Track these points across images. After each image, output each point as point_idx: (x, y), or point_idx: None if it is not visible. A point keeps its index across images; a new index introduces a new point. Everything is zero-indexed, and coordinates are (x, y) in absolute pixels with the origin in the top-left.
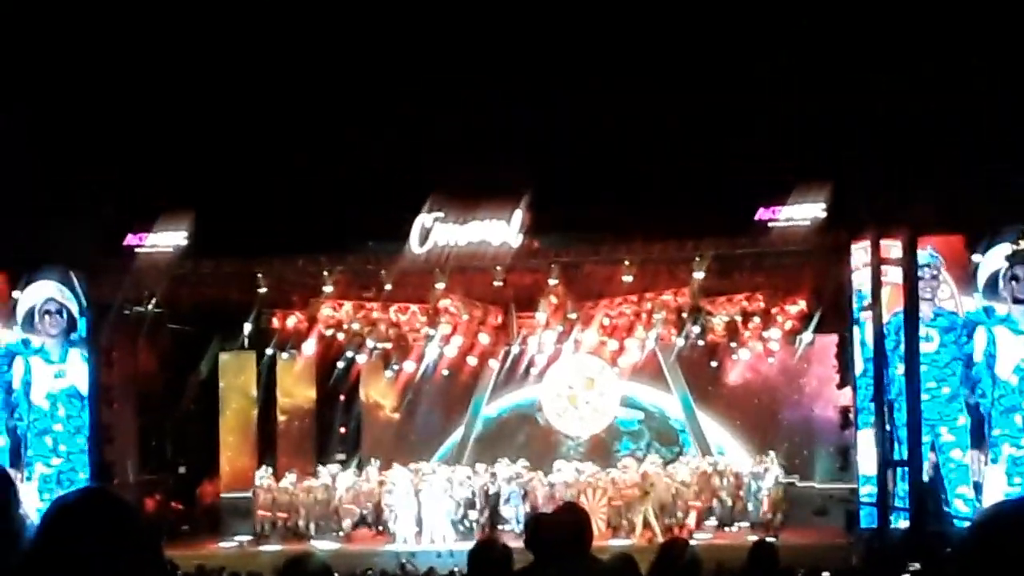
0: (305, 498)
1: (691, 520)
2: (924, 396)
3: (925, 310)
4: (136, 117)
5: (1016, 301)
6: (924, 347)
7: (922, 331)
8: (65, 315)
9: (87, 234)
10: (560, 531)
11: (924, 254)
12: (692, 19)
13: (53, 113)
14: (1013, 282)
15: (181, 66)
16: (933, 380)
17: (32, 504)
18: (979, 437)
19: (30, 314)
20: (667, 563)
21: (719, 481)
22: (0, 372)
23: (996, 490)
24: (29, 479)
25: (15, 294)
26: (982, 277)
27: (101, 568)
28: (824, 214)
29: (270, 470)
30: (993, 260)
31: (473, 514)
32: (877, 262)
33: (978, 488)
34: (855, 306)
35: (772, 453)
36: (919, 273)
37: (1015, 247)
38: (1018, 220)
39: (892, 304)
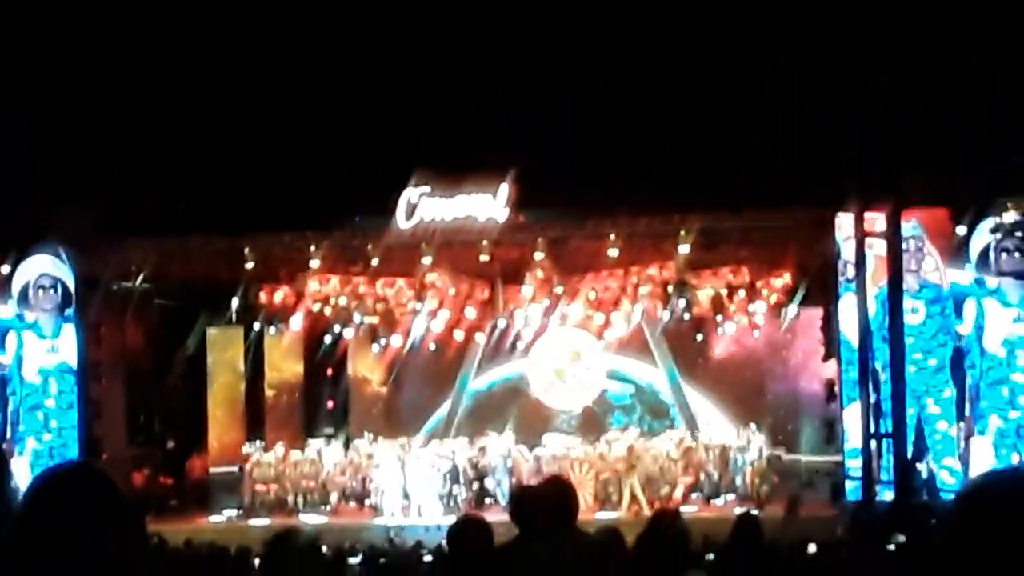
0: (292, 472)
1: (677, 493)
2: (910, 368)
3: (910, 282)
4: (124, 95)
5: (1002, 274)
6: (910, 319)
7: (908, 304)
8: (60, 290)
9: (79, 210)
10: (545, 504)
11: (908, 226)
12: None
13: (44, 92)
14: (1003, 254)
15: (164, 44)
16: (919, 352)
17: (24, 479)
18: (967, 409)
19: (24, 289)
20: (656, 534)
21: (705, 454)
22: None
23: (983, 462)
24: (21, 454)
25: (4, 268)
26: (974, 250)
27: (85, 541)
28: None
29: (260, 443)
30: (984, 233)
31: (459, 488)
32: (861, 235)
33: (964, 460)
34: (840, 279)
35: (757, 426)
36: (904, 245)
37: (998, 220)
38: (1004, 194)
39: (877, 277)
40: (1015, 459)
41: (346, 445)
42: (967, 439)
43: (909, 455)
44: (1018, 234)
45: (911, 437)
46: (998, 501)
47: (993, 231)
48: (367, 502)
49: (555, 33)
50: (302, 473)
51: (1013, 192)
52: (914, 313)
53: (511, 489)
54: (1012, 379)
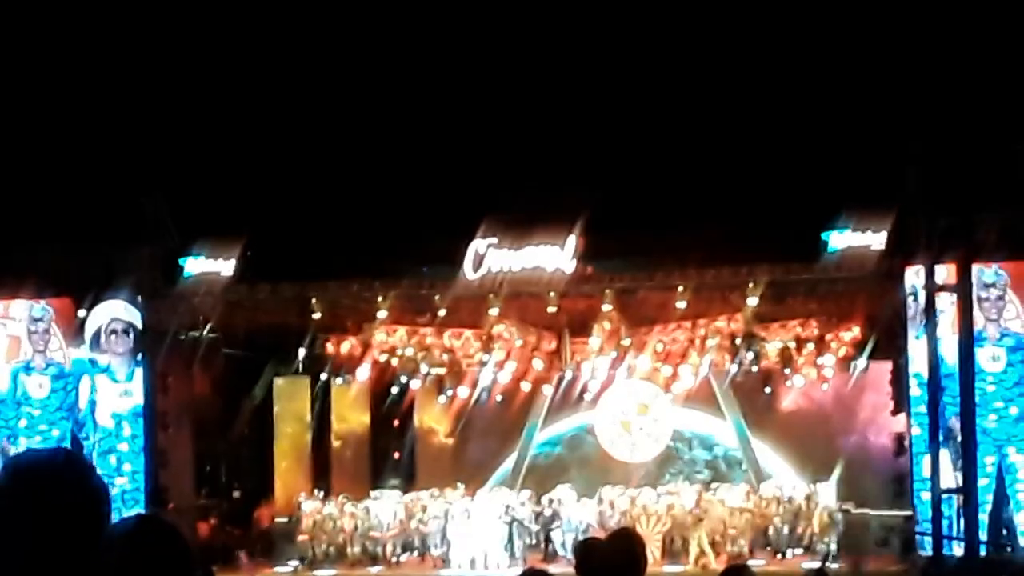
0: (357, 524)
1: (745, 547)
2: (991, 416)
3: (991, 330)
4: (192, 143)
5: None
6: (991, 367)
7: (989, 351)
8: (132, 334)
9: (147, 260)
10: (614, 558)
11: (990, 272)
12: (752, 40)
13: (113, 140)
14: None
15: (237, 93)
16: (1000, 400)
17: None
18: None
19: (97, 334)
20: None
21: (773, 508)
22: (67, 390)
23: None
24: None
25: (80, 313)
26: None
27: None
28: (886, 240)
29: (320, 494)
30: None
31: (524, 541)
32: (932, 287)
33: None
34: (911, 331)
35: (826, 480)
36: (984, 294)
37: None
38: None
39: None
40: None
41: (413, 496)
42: None
43: (990, 505)
44: None
45: (993, 486)
46: None
47: None
48: (431, 554)
49: (626, 85)
50: (368, 525)
51: None
52: (995, 361)
53: (575, 542)
54: None
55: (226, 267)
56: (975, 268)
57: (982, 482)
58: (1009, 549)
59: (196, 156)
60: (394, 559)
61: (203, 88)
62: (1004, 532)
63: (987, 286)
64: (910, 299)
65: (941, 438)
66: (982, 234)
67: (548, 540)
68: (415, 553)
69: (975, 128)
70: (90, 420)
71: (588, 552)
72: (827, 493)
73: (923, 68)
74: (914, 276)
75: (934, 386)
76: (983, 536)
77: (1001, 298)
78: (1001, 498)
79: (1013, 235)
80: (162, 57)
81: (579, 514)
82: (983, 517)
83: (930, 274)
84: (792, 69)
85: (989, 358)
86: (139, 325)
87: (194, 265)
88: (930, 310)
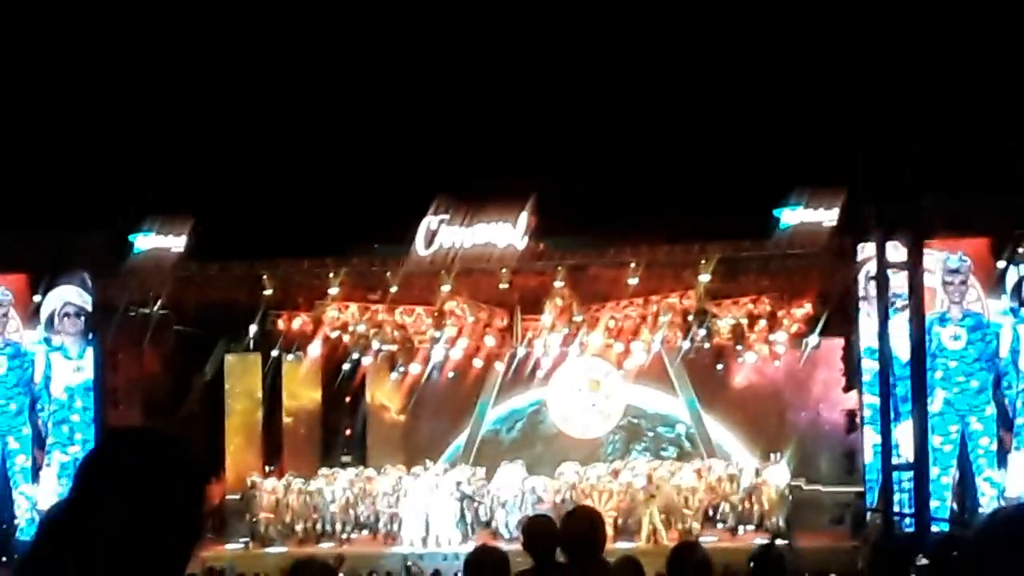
0: (309, 500)
1: (697, 523)
2: (955, 390)
3: (954, 312)
4: (144, 121)
5: None
6: (953, 345)
7: (952, 330)
8: (83, 317)
9: (98, 238)
10: (576, 534)
11: (955, 258)
12: (704, 20)
13: (63, 118)
14: None
15: (187, 70)
16: (962, 375)
17: (51, 490)
18: (1006, 425)
19: (51, 317)
20: (678, 565)
21: (725, 484)
22: (23, 368)
23: (1020, 472)
24: (49, 465)
25: (36, 298)
26: (1010, 282)
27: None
28: (838, 218)
29: (271, 471)
30: (1020, 267)
31: (477, 518)
32: (883, 264)
33: (1004, 473)
34: (863, 309)
35: (778, 456)
36: (949, 279)
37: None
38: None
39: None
40: None
41: (364, 472)
42: (1006, 453)
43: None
44: None
45: (957, 452)
46: (1008, 537)
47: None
48: (384, 530)
49: (579, 62)
50: (320, 501)
51: None
52: (956, 340)
53: (523, 518)
54: None
55: (177, 244)
56: (940, 255)
57: (946, 448)
58: (968, 518)
59: (148, 133)
60: (344, 536)
61: (152, 66)
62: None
63: (952, 271)
64: (862, 277)
65: (892, 415)
66: (931, 215)
67: (496, 517)
68: (366, 531)
69: (926, 112)
70: (45, 393)
71: (535, 529)
72: (778, 470)
73: (873, 50)
74: (867, 253)
75: (885, 363)
76: (948, 505)
77: (964, 283)
78: (965, 464)
79: (962, 217)
80: (109, 36)
81: (531, 491)
82: (947, 481)
83: (881, 252)
84: (747, 49)
85: (951, 337)
86: (90, 308)
87: (144, 242)
88: (881, 288)
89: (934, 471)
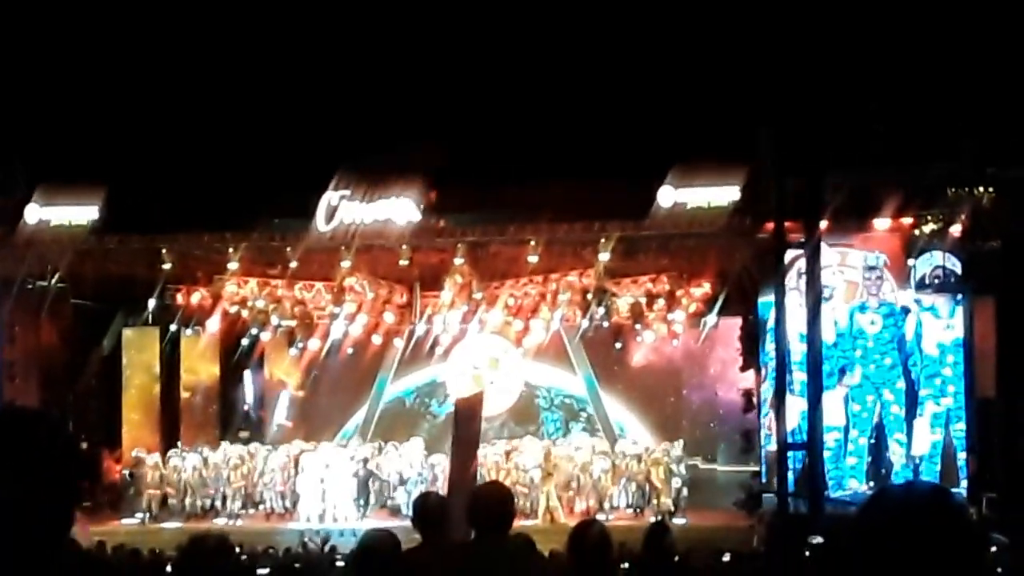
0: (204, 475)
1: (594, 501)
2: (871, 366)
3: (872, 302)
4: (44, 92)
5: (937, 292)
6: (871, 329)
7: (869, 316)
8: None
9: None
10: (486, 508)
11: (872, 257)
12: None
13: None
14: (934, 283)
15: (85, 39)
16: (878, 353)
17: None
18: (912, 396)
19: None
20: (579, 542)
21: (622, 462)
22: None
23: (923, 437)
24: None
25: None
26: (915, 277)
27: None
28: (738, 197)
29: (172, 445)
30: (924, 264)
31: (373, 495)
32: (782, 246)
33: (910, 435)
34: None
35: (675, 435)
36: (867, 275)
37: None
38: (922, 205)
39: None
40: (939, 436)
41: (262, 447)
42: (912, 419)
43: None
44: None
45: (873, 420)
46: (888, 513)
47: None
48: (282, 505)
49: (477, 35)
50: (217, 476)
51: (931, 203)
52: (873, 325)
53: (418, 496)
54: (943, 374)
55: (75, 216)
56: (860, 253)
57: (864, 415)
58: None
59: (48, 104)
60: (238, 511)
61: (55, 36)
62: (882, 471)
63: (870, 268)
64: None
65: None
66: (830, 194)
67: (390, 494)
68: (262, 507)
69: (826, 90)
70: None
71: (427, 506)
72: (675, 448)
73: (776, 28)
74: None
75: (780, 342)
76: (865, 462)
77: (880, 277)
78: (880, 428)
79: (863, 196)
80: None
81: (430, 468)
82: (864, 443)
83: (780, 232)
84: (649, 25)
85: (869, 322)
86: None
87: (42, 213)
88: (779, 268)
89: (853, 433)
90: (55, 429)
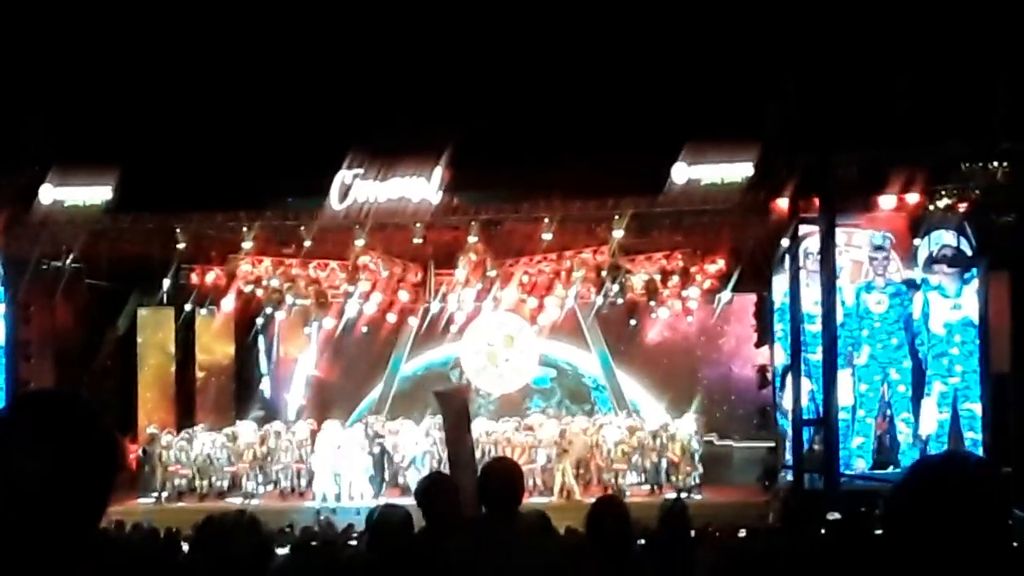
0: (221, 455)
1: (609, 478)
2: (879, 345)
3: (879, 282)
4: (58, 72)
5: (944, 272)
6: (877, 308)
7: (876, 296)
8: None
9: (6, 189)
10: (496, 484)
11: (879, 236)
12: None
13: None
14: (943, 259)
15: (98, 22)
16: (885, 333)
17: None
18: (919, 376)
19: None
20: (599, 519)
21: (637, 439)
22: None
23: (930, 416)
24: None
25: None
26: (921, 256)
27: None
28: (751, 174)
29: (187, 424)
30: (931, 243)
31: (388, 472)
32: (797, 221)
33: (917, 415)
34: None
35: (690, 411)
36: (874, 254)
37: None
38: (938, 181)
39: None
40: (946, 415)
41: (278, 426)
42: (919, 398)
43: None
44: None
45: (879, 398)
46: (936, 480)
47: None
48: (298, 484)
49: (490, 13)
50: (234, 455)
51: (944, 179)
52: (879, 304)
53: (425, 475)
54: (950, 353)
55: (89, 196)
56: (866, 232)
57: (871, 394)
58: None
59: (62, 84)
60: (253, 489)
61: (69, 18)
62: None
63: (877, 248)
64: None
65: (804, 369)
66: (843, 171)
67: (405, 473)
68: (277, 485)
69: (838, 66)
70: None
71: (427, 489)
72: (690, 425)
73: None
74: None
75: (795, 319)
76: (873, 440)
77: (887, 257)
78: (888, 407)
79: (874, 173)
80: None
81: (442, 445)
82: (871, 422)
83: (794, 208)
84: (663, 1)
85: (876, 302)
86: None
87: (56, 193)
88: (794, 244)
89: (860, 412)
90: (93, 415)
